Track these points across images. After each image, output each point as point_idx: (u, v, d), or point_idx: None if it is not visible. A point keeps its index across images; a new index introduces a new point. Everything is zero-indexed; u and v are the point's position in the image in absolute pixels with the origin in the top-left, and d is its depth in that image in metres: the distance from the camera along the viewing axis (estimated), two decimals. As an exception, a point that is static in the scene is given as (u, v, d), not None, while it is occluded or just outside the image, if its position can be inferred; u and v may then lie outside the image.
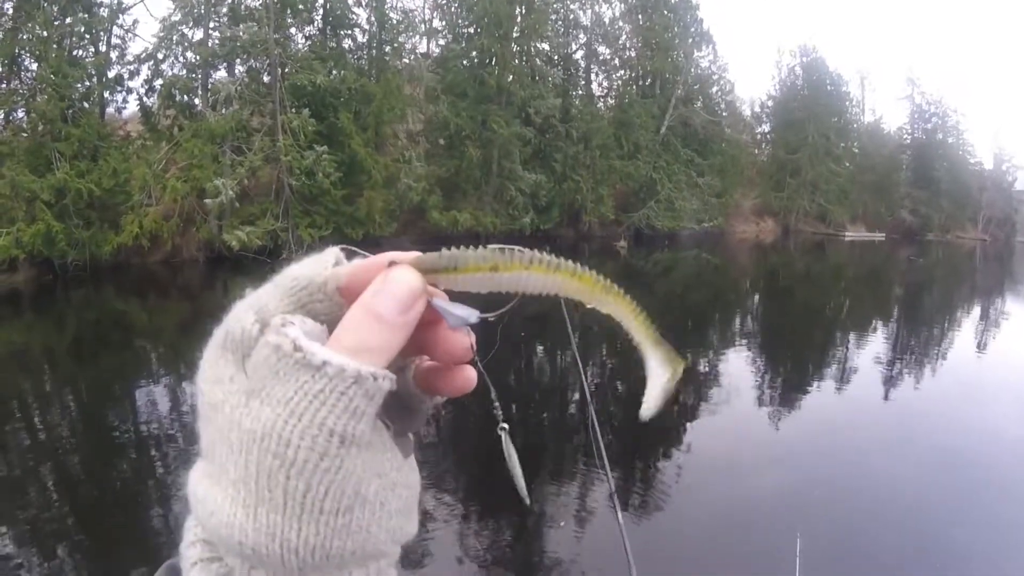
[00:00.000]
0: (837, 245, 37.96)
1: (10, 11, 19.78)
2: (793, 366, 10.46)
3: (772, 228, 38.79)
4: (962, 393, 9.16)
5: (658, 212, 26.02)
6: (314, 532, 0.28)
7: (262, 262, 18.45)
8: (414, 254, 0.33)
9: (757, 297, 20.05)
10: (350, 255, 0.35)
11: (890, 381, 9.41)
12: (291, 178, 18.53)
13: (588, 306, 0.35)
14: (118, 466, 7.52)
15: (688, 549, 4.78)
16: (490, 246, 0.32)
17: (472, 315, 0.32)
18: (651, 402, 0.39)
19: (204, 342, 0.36)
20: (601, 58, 27.86)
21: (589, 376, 10.00)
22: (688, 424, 7.59)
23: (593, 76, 27.52)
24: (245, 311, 0.33)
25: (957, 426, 7.52)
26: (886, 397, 8.65)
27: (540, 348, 10.21)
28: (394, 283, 0.31)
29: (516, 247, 0.32)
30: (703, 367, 10.11)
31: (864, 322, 14.97)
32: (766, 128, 41.46)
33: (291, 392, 0.28)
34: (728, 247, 30.78)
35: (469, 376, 0.35)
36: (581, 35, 27.03)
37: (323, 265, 0.34)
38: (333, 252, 0.35)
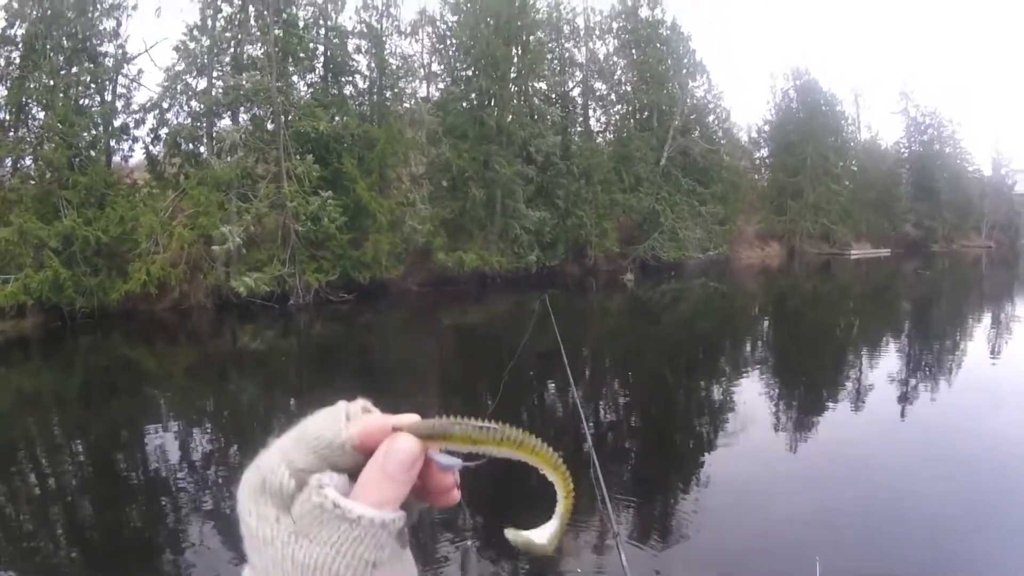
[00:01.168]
0: (843, 264, 37.91)
1: (17, 60, 20.19)
2: (806, 389, 10.39)
3: (777, 252, 38.81)
4: (979, 403, 8.98)
5: (662, 243, 26.06)
6: None
7: (270, 307, 18.52)
8: (413, 419, 0.42)
9: (766, 322, 19.97)
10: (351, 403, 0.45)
11: (905, 397, 9.30)
12: (297, 224, 18.65)
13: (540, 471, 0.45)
14: (127, 512, 7.52)
15: None
16: (473, 422, 0.41)
17: (456, 463, 0.43)
18: (530, 539, 0.48)
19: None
20: (598, 94, 28.29)
21: (588, 409, 9.79)
22: (702, 452, 7.48)
23: (591, 112, 27.93)
24: (278, 464, 0.41)
25: (977, 438, 7.32)
26: (902, 414, 8.52)
27: (542, 386, 10.15)
28: (399, 449, 0.40)
29: (492, 425, 0.41)
30: (716, 395, 10.06)
31: (875, 339, 14.96)
32: (764, 153, 41.78)
33: (335, 536, 0.38)
34: (735, 273, 30.75)
35: (453, 498, 0.45)
36: (577, 72, 27.47)
37: (337, 422, 0.43)
38: (343, 408, 0.44)
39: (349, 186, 19.33)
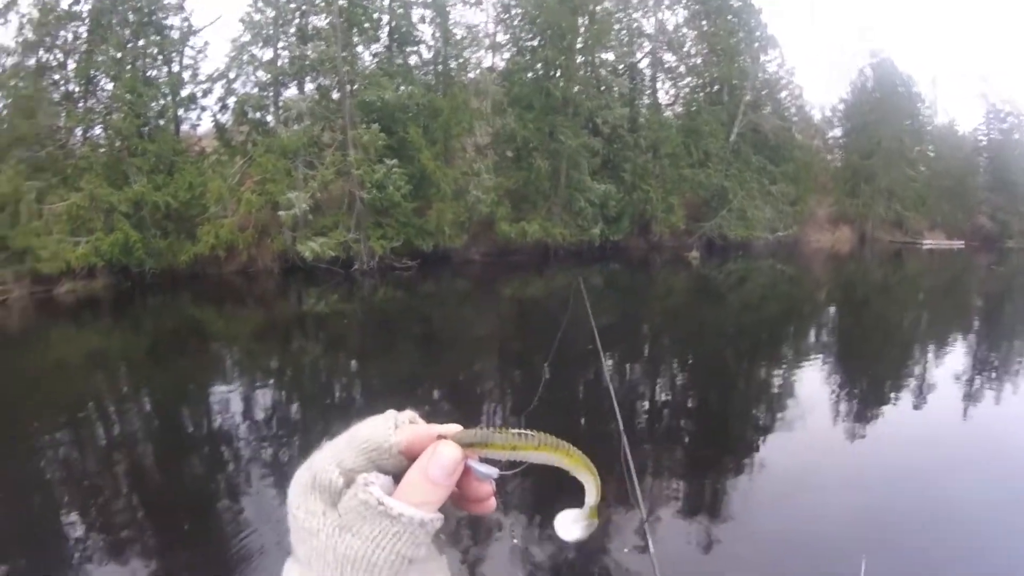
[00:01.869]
0: (915, 254, 35.68)
1: (84, 35, 20.72)
2: (867, 382, 9.71)
3: (848, 237, 36.75)
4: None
5: (730, 221, 24.88)
6: None
7: (334, 272, 18.55)
8: (455, 428, 0.46)
9: (832, 309, 18.85)
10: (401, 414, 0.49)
11: (970, 398, 8.60)
12: (362, 191, 18.55)
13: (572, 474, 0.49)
14: (189, 464, 7.53)
15: (744, 572, 4.38)
16: (511, 430, 0.45)
17: (494, 472, 0.46)
18: (568, 526, 0.52)
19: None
20: (667, 66, 27.13)
21: (641, 388, 9.26)
22: (753, 439, 7.06)
23: (659, 84, 26.83)
24: (329, 463, 0.45)
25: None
26: (965, 415, 7.87)
27: (575, 382, 9.62)
28: (442, 455, 0.44)
29: (529, 432, 0.45)
30: (774, 381, 9.49)
31: (943, 336, 13.92)
32: (838, 133, 39.53)
33: (376, 531, 0.41)
34: (803, 257, 29.26)
35: (489, 506, 0.48)
36: (646, 43, 26.40)
37: (387, 429, 0.47)
38: (392, 416, 0.48)
39: (414, 155, 19.11)
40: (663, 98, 26.84)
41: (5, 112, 20.85)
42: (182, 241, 18.77)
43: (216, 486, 6.70)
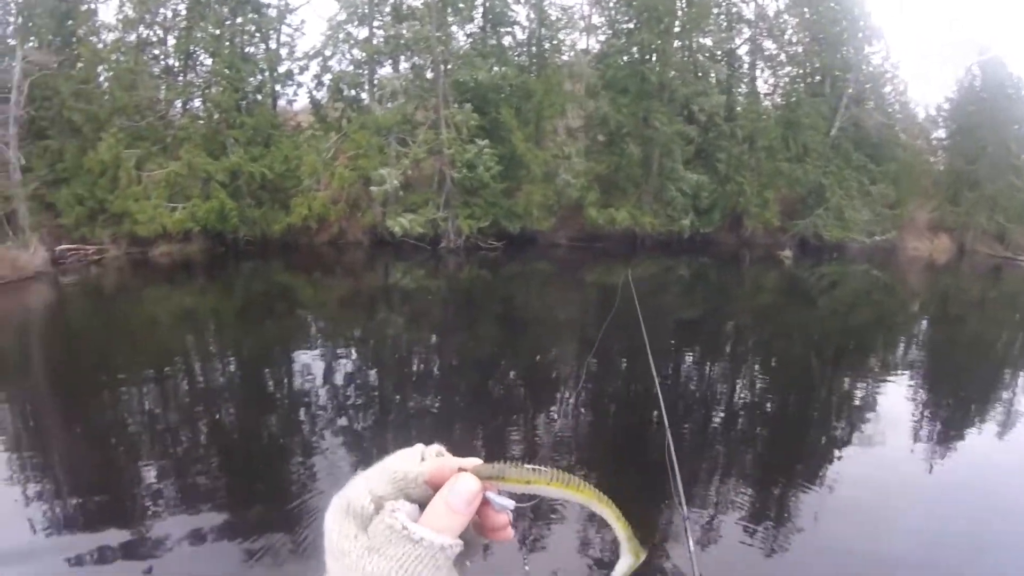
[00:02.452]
0: (1015, 271, 32.81)
1: (184, 12, 21.41)
2: (954, 403, 8.86)
3: (946, 246, 34.18)
4: None
5: (826, 221, 23.43)
6: None
7: (422, 248, 18.61)
8: (475, 462, 0.51)
9: (925, 323, 17.42)
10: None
11: None
12: (453, 170, 18.47)
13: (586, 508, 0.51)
14: (266, 422, 7.61)
15: None
16: (526, 466, 0.49)
17: (510, 504, 0.50)
18: (629, 565, 0.55)
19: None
20: (767, 53, 25.80)
21: (720, 387, 8.72)
22: (824, 452, 6.48)
23: (759, 72, 25.52)
24: (363, 491, 0.50)
25: None
26: None
27: (622, 382, 9.01)
28: (461, 487, 0.48)
29: (543, 468, 0.49)
30: (857, 393, 8.77)
31: None
32: (942, 134, 36.79)
33: (401, 554, 0.45)
34: (899, 264, 27.33)
35: (507, 535, 0.52)
36: (745, 29, 25.22)
37: (415, 460, 0.52)
38: (420, 449, 0.54)
39: (505, 136, 18.90)
40: (762, 87, 25.57)
41: (107, 84, 21.97)
42: (276, 211, 19.26)
43: (289, 445, 6.80)
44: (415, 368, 10.08)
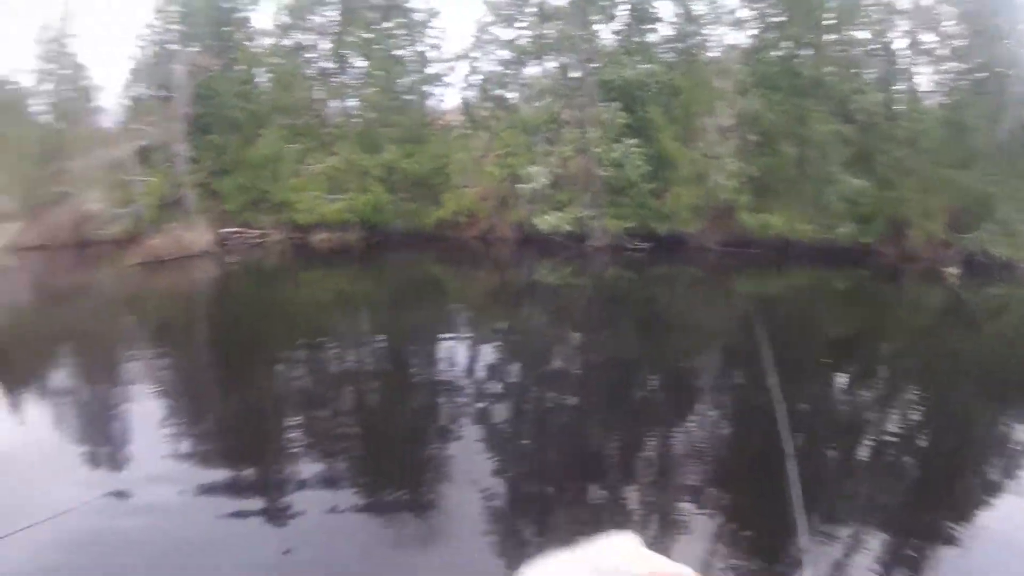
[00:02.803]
0: None
1: (336, 17, 22.72)
2: None
3: None
4: None
5: (994, 236, 21.41)
6: None
7: (567, 246, 18.77)
8: (689, 572, 0.49)
9: None
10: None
11: None
12: (600, 169, 18.48)
13: None
14: (407, 405, 7.86)
15: None
16: None
17: None
18: None
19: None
20: (925, 48, 23.94)
21: (864, 415, 7.99)
22: (977, 502, 5.52)
23: (918, 68, 23.74)
24: None
25: None
26: None
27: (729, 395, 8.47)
28: None
29: None
30: (1016, 436, 7.52)
31: None
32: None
33: None
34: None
35: None
36: (901, 21, 23.48)
37: (630, 560, 0.54)
38: (634, 543, 0.56)
39: (653, 135, 18.68)
40: (922, 85, 23.77)
41: (266, 85, 23.67)
42: (427, 206, 20.09)
43: (426, 430, 6.96)
44: (554, 364, 10.14)
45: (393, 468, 5.94)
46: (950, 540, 4.85)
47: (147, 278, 17.69)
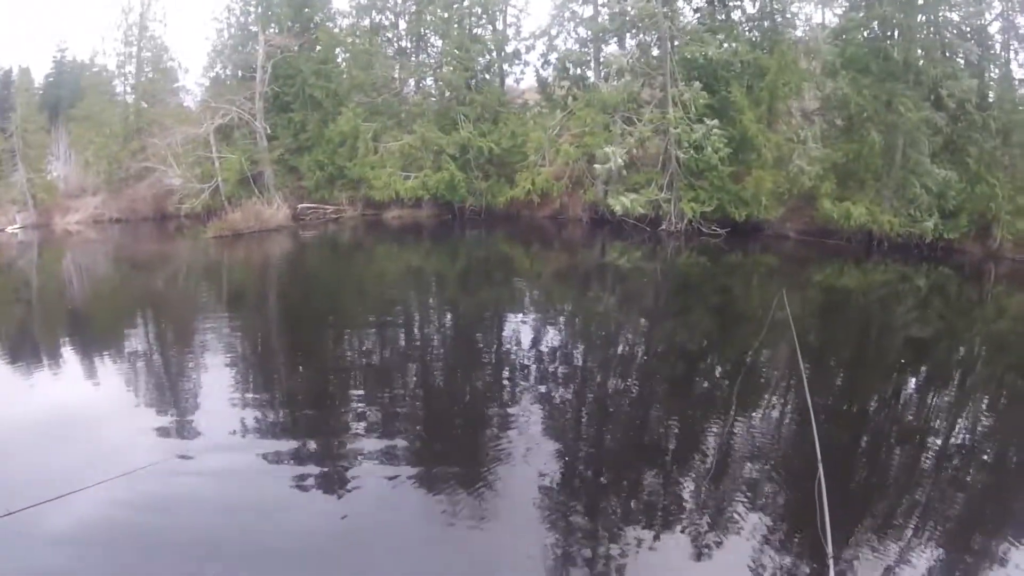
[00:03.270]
0: None
1: None
2: None
3: None
4: None
5: (1084, 235, 20.43)
6: None
7: (641, 229, 18.78)
8: None
9: None
10: None
11: None
12: (679, 151, 18.31)
13: None
14: (469, 378, 8.17)
15: None
16: None
17: None
18: None
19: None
20: (1021, 31, 22.68)
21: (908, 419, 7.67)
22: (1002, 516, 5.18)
23: (1013, 55, 22.55)
24: None
25: None
26: None
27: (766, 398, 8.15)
28: None
29: None
30: None
31: None
32: None
33: None
34: None
35: None
36: (996, 3, 22.27)
37: None
38: None
39: (735, 116, 18.34)
40: (1017, 72, 22.57)
41: (344, 64, 24.03)
42: (501, 184, 20.35)
43: (487, 407, 7.15)
44: (620, 349, 10.24)
45: (451, 444, 6.20)
46: (1003, 562, 4.53)
47: (224, 250, 18.55)
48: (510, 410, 6.94)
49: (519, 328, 10.55)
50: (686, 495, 5.19)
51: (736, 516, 4.82)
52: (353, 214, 22.14)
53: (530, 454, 5.69)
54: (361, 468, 5.44)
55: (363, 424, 6.54)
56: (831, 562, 2.95)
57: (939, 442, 6.79)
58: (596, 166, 18.71)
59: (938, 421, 7.71)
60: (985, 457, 6.51)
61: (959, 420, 7.84)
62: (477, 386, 8.10)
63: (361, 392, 7.73)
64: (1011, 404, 8.36)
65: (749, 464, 5.82)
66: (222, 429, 6.16)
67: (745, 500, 5.08)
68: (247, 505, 4.88)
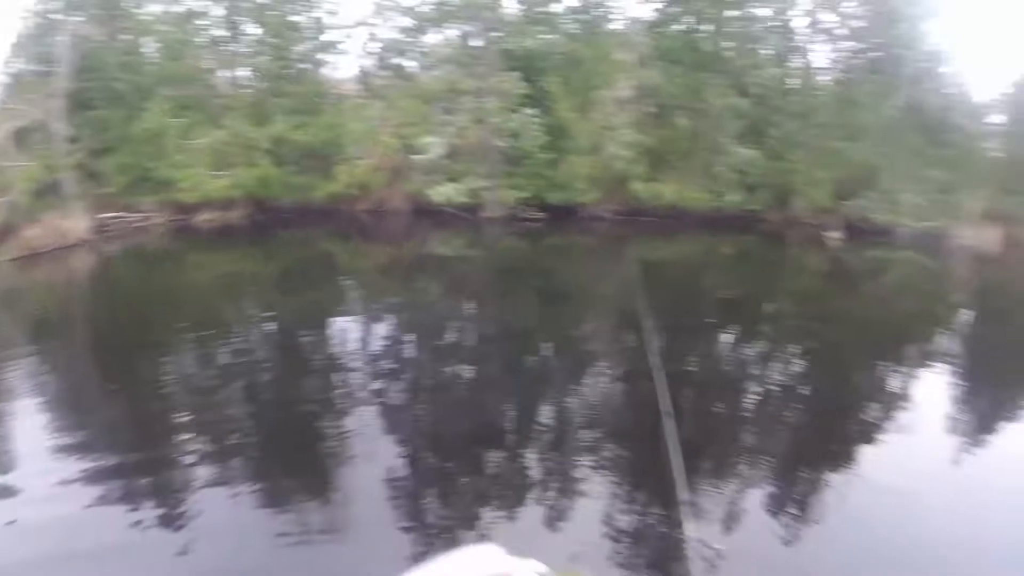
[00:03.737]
0: (1071, 265, 31.33)
1: None
2: (997, 399, 8.37)
3: (998, 237, 32.84)
4: None
5: (877, 204, 22.58)
6: None
7: (462, 218, 18.49)
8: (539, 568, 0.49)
9: (971, 316, 16.68)
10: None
11: None
12: (498, 139, 18.20)
13: None
14: (300, 388, 7.64)
15: None
16: None
17: None
18: None
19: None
20: (824, 27, 24.74)
21: (746, 367, 8.52)
22: (853, 443, 6.15)
23: (815, 47, 24.51)
24: None
25: None
26: None
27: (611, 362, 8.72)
28: None
29: None
30: (891, 387, 8.31)
31: None
32: (1002, 119, 35.17)
33: None
34: (947, 253, 26.34)
35: None
36: (804, 1, 24.21)
37: (486, 566, 0.58)
38: (491, 553, 0.66)
39: (552, 105, 18.55)
40: (818, 62, 24.59)
41: (155, 55, 22.11)
42: (318, 179, 19.30)
43: (323, 412, 6.81)
44: (450, 337, 10.10)
45: (291, 456, 5.70)
46: (829, 485, 5.18)
47: (21, 274, 16.34)
48: (347, 412, 6.60)
49: (347, 327, 10.09)
50: (535, 467, 5.33)
51: (585, 478, 5.05)
52: (161, 221, 20.22)
53: (373, 453, 5.46)
54: (199, 496, 4.85)
55: (195, 449, 5.80)
56: (682, 505, 3.12)
57: (759, 388, 7.51)
58: (415, 157, 18.25)
59: (756, 370, 8.41)
60: (799, 399, 7.29)
61: (774, 368, 8.65)
62: (310, 392, 7.56)
63: (188, 417, 6.78)
64: (817, 350, 9.27)
65: (590, 429, 6.12)
66: (40, 481, 5.16)
67: (592, 462, 5.33)
68: (76, 558, 4.14)
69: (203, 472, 5.29)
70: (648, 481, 4.95)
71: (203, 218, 19.74)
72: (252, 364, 8.73)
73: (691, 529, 3.17)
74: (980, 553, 4.35)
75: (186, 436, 6.24)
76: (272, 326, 11.03)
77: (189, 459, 5.62)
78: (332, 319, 10.72)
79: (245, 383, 7.92)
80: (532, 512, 4.66)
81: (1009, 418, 7.43)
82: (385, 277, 15.20)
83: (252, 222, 19.53)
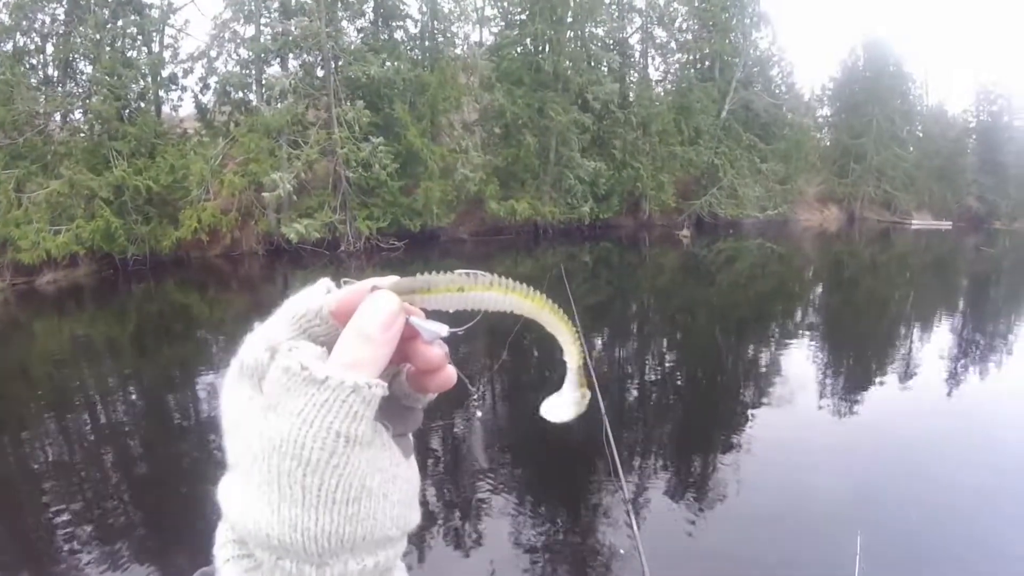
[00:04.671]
0: (903, 234, 35.81)
1: (62, 16, 20.02)
2: (856, 360, 9.71)
3: (836, 216, 36.81)
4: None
5: (720, 200, 24.72)
6: (329, 520, 0.33)
7: (320, 254, 18.23)
8: (393, 279, 0.39)
9: (821, 288, 18.86)
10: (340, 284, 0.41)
11: (956, 377, 8.66)
12: (348, 170, 18.17)
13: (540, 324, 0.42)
14: (175, 452, 7.39)
15: (741, 549, 4.40)
16: (457, 271, 0.39)
17: (443, 329, 0.39)
18: (557, 410, 0.46)
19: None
20: (658, 41, 26.73)
21: (630, 367, 9.13)
22: (741, 418, 6.99)
23: (650, 60, 26.43)
24: (257, 342, 0.38)
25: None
26: (951, 394, 7.91)
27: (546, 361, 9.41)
28: (376, 306, 0.36)
29: (479, 272, 0.39)
30: (763, 360, 9.44)
31: (930, 315, 13.96)
32: (827, 112, 39.37)
33: (301, 404, 0.33)
34: (792, 236, 29.25)
35: (449, 376, 0.40)
36: (636, 18, 26.02)
37: (317, 294, 0.39)
38: (324, 282, 0.41)
39: (400, 132, 18.71)
40: (654, 74, 26.53)
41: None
42: (164, 226, 18.35)
43: (202, 473, 6.51)
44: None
45: (176, 524, 5.38)
46: (727, 449, 5.85)
47: None
48: (223, 471, 6.06)
49: (212, 382, 9.56)
50: (464, 485, 5.37)
51: (517, 483, 5.26)
52: (1, 286, 18.51)
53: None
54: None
55: (68, 537, 5.30)
56: (624, 489, 3.36)
57: (636, 382, 8.14)
58: (265, 194, 17.83)
59: (631, 367, 8.89)
60: (674, 386, 7.92)
61: (648, 360, 9.31)
62: (183, 455, 7.16)
63: (57, 499, 6.06)
64: (688, 337, 10.22)
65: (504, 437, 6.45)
66: None
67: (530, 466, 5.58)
68: None
69: (85, 558, 4.93)
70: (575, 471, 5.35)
71: (47, 279, 18.21)
72: (119, 432, 8.13)
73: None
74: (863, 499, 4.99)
75: (58, 522, 5.79)
76: (133, 389, 10.49)
77: (65, 548, 5.19)
78: (197, 375, 10.28)
79: (115, 454, 7.40)
80: (463, 528, 4.78)
81: (868, 377, 8.43)
82: (245, 325, 14.11)
83: (100, 279, 18.23)
